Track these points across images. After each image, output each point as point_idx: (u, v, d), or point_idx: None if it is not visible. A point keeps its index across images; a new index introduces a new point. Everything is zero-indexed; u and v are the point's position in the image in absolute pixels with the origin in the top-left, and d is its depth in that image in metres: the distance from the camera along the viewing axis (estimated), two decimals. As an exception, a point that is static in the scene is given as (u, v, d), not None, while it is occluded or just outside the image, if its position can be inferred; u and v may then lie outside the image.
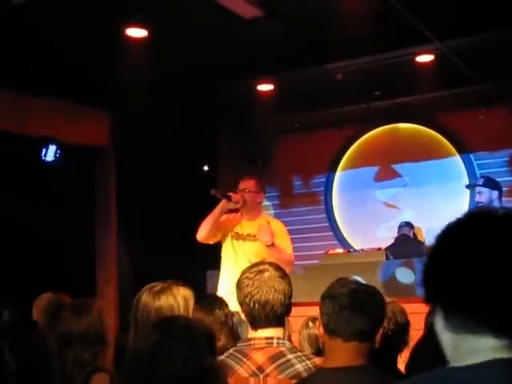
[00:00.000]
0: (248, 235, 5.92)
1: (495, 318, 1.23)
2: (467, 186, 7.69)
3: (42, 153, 7.93)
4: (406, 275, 6.72)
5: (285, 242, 5.83)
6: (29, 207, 7.64)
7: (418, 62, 7.35)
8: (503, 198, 6.96)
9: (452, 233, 1.34)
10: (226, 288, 5.61)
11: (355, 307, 2.50)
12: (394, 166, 9.40)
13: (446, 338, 1.29)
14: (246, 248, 5.86)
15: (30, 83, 7.23)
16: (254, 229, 5.88)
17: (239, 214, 6.04)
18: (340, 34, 6.90)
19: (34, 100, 7.41)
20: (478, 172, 8.94)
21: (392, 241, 7.95)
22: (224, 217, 6.00)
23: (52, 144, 7.93)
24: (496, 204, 6.73)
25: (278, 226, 5.96)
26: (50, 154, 7.93)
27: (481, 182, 6.91)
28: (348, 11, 5.95)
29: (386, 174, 9.42)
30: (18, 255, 7.40)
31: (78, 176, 8.13)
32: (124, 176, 8.41)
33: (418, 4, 6.03)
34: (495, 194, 6.75)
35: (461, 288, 1.26)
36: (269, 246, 5.58)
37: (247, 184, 6.01)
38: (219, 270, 6.16)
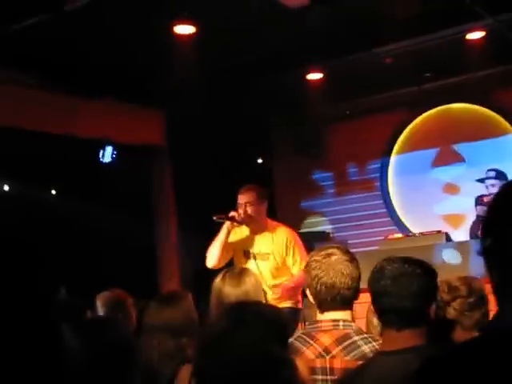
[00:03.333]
0: (259, 253, 5.63)
1: None
2: (479, 180, 7.46)
3: (99, 154, 8.06)
4: (453, 256, 6.66)
5: (298, 256, 5.55)
6: (90, 208, 7.78)
7: (468, 40, 7.23)
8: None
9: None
10: None
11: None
12: (451, 146, 9.27)
13: None
14: (260, 267, 5.54)
15: (83, 85, 7.34)
16: (264, 244, 5.62)
17: (242, 227, 5.69)
18: (387, 17, 6.82)
19: (88, 102, 7.53)
20: (536, 148, 8.76)
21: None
22: (231, 236, 5.68)
23: (108, 145, 8.05)
24: None
25: (289, 237, 5.65)
26: (107, 155, 8.05)
27: (493, 174, 6.81)
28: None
29: (445, 155, 9.29)
30: (82, 256, 7.54)
31: (136, 176, 8.23)
32: (180, 174, 8.49)
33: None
34: None
35: None
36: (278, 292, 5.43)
37: (247, 197, 5.63)
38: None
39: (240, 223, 5.59)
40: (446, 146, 9.29)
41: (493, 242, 1.29)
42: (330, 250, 2.95)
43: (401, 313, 2.44)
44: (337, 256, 2.91)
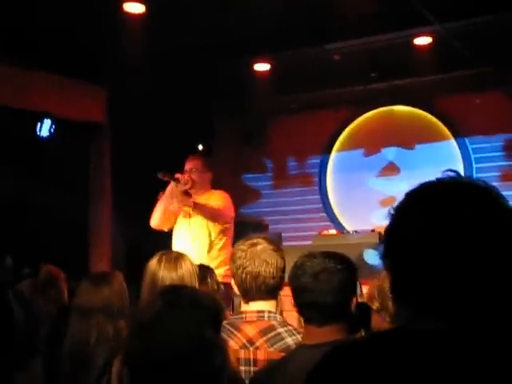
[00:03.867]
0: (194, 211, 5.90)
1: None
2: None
3: (36, 127, 7.89)
4: (373, 257, 6.77)
5: (215, 201, 5.86)
6: (22, 181, 7.62)
7: (416, 45, 7.34)
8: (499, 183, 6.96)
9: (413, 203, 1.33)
10: None
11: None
12: (388, 149, 9.39)
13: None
14: (193, 223, 5.85)
15: (27, 57, 7.18)
16: (201, 201, 5.90)
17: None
18: (339, 14, 6.84)
19: (31, 74, 7.37)
20: (472, 156, 8.96)
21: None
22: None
23: (47, 119, 7.88)
24: None
25: (221, 193, 6.01)
26: (45, 128, 7.89)
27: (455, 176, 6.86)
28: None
29: (383, 156, 9.42)
30: (11, 228, 7.39)
31: (73, 152, 8.09)
32: (119, 153, 8.38)
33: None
34: None
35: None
36: (192, 207, 5.70)
37: (194, 164, 5.99)
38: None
39: (183, 184, 5.84)
40: (385, 146, 9.42)
41: (389, 263, 1.31)
42: (255, 240, 2.96)
43: (322, 309, 2.44)
44: (262, 245, 2.92)
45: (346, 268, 2.48)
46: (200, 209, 5.75)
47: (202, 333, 1.89)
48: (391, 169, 9.36)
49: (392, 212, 1.33)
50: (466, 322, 1.21)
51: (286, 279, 2.66)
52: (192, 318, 1.91)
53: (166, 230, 6.02)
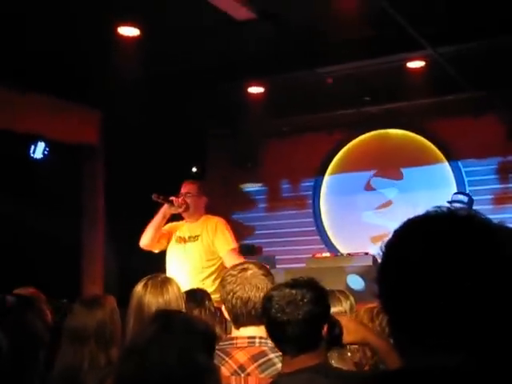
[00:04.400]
0: (190, 237, 5.89)
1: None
2: (450, 202, 7.02)
3: (30, 150, 7.89)
4: (356, 282, 6.78)
5: (227, 238, 5.82)
6: (15, 204, 7.60)
7: (408, 68, 7.38)
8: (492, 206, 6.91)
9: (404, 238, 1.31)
10: None
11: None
12: (381, 171, 9.41)
13: None
14: (188, 249, 5.83)
15: (20, 80, 7.19)
16: (195, 229, 5.90)
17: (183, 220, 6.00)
18: (332, 38, 6.91)
19: (23, 96, 7.37)
20: (466, 179, 8.99)
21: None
22: (169, 225, 5.99)
23: (40, 141, 7.89)
24: None
25: (218, 222, 5.94)
26: (39, 151, 7.89)
27: (465, 199, 6.73)
28: (340, 15, 5.96)
29: (377, 179, 9.43)
30: (4, 251, 7.35)
31: (67, 174, 8.08)
32: (112, 175, 8.37)
33: (410, 10, 6.05)
34: None
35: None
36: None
37: (189, 188, 5.99)
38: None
39: (177, 207, 5.86)
40: (379, 169, 9.44)
41: (386, 303, 1.30)
42: (245, 265, 2.95)
43: (293, 341, 2.43)
44: (252, 271, 2.90)
45: (314, 297, 2.46)
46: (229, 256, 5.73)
47: (194, 358, 1.90)
48: (386, 189, 9.38)
49: (383, 250, 1.32)
50: (477, 355, 1.20)
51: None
52: (185, 342, 1.91)
53: (156, 251, 6.00)
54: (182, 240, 5.90)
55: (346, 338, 2.53)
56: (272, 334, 2.51)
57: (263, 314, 2.52)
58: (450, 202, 6.85)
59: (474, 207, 6.81)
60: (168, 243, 5.98)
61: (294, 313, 2.42)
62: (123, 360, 1.98)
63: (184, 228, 5.96)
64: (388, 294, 1.28)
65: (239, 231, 9.85)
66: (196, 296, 4.04)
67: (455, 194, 6.98)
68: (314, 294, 2.47)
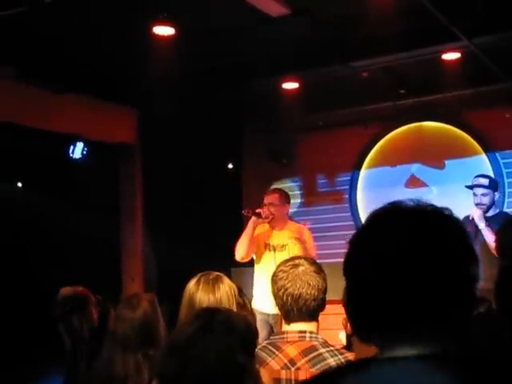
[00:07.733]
0: (277, 245, 6.38)
1: None
2: (469, 187, 6.71)
3: (69, 150, 8.00)
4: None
5: (311, 248, 6.41)
6: (56, 203, 7.71)
7: (444, 60, 7.31)
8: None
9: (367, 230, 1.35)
10: (261, 296, 6.02)
11: None
12: (418, 165, 9.33)
13: None
14: (278, 258, 6.14)
15: (58, 80, 7.28)
16: (282, 238, 6.40)
17: (265, 224, 6.46)
18: (366, 32, 6.87)
19: (62, 97, 7.46)
20: (504, 171, 8.87)
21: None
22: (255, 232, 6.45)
23: (79, 141, 7.99)
24: (495, 207, 6.52)
25: (301, 230, 6.53)
26: (78, 151, 7.99)
27: (486, 182, 6.46)
28: (374, 9, 5.94)
29: (414, 172, 9.37)
30: (46, 250, 7.47)
31: (105, 173, 8.19)
32: (150, 173, 8.45)
33: (446, 1, 6.00)
34: (497, 195, 6.54)
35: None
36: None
37: (272, 198, 6.46)
38: (243, 267, 6.78)
39: (264, 219, 6.34)
40: (415, 162, 9.37)
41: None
42: (297, 261, 2.94)
43: None
44: (304, 267, 2.89)
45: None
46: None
47: (233, 357, 1.90)
48: (419, 183, 9.30)
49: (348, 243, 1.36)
50: (437, 347, 1.22)
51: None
52: (224, 341, 1.92)
53: (248, 260, 6.47)
54: (272, 248, 6.37)
55: None
56: None
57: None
58: (470, 187, 6.62)
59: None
60: (255, 249, 6.45)
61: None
62: (165, 358, 1.99)
63: (272, 236, 6.43)
64: (351, 285, 1.30)
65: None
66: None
67: (476, 176, 6.66)
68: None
